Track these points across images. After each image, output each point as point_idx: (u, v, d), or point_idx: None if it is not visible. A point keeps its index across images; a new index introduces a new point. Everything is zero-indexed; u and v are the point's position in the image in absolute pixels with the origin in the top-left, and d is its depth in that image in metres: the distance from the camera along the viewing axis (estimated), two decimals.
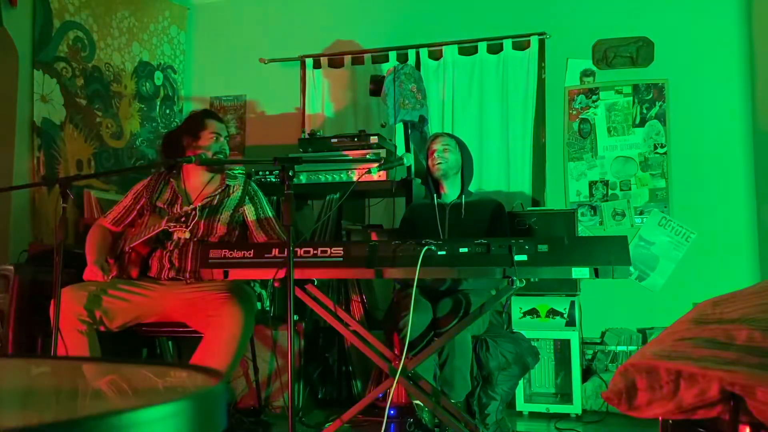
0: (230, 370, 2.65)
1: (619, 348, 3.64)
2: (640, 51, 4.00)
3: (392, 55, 4.36)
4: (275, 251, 2.36)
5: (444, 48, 4.28)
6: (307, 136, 3.74)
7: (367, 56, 4.44)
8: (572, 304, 3.44)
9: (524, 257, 2.12)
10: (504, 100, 4.17)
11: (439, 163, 3.09)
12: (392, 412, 2.77)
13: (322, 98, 4.53)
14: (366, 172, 3.40)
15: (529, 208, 3.81)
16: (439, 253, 2.20)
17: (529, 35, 4.14)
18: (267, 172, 3.74)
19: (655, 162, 3.97)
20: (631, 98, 4.03)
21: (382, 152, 3.51)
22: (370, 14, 4.50)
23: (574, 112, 4.12)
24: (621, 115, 4.04)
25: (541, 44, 4.14)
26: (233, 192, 2.94)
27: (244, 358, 3.06)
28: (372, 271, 2.27)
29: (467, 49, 4.26)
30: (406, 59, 4.30)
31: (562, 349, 3.56)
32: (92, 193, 3.95)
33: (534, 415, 3.40)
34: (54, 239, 2.59)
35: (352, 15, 4.54)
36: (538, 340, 3.46)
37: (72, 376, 0.87)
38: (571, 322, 3.43)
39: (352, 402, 2.83)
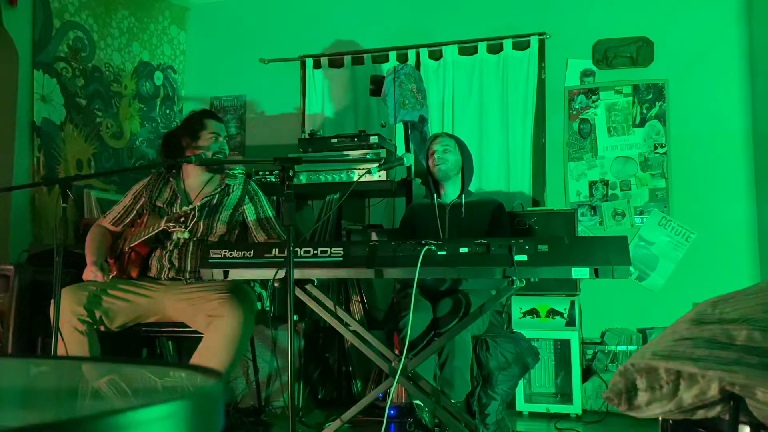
0: (230, 370, 2.65)
1: (619, 348, 3.64)
2: (640, 51, 4.00)
3: (392, 55, 4.36)
4: (275, 251, 2.36)
5: (444, 48, 4.28)
6: (307, 136, 3.74)
7: (367, 56, 4.44)
8: (572, 304, 3.44)
9: (524, 257, 2.12)
10: (504, 100, 4.17)
11: (439, 165, 3.09)
12: (392, 412, 2.77)
13: (322, 98, 4.53)
14: (366, 172, 3.40)
15: (529, 208, 3.82)
16: (439, 253, 2.20)
17: (529, 35, 4.14)
18: (267, 172, 3.74)
19: (655, 162, 3.97)
20: (631, 98, 4.03)
21: (382, 152, 3.51)
22: (370, 14, 4.50)
23: (574, 112, 4.12)
24: (621, 115, 4.04)
25: (541, 44, 4.14)
26: (233, 191, 2.94)
27: (244, 358, 3.06)
28: (372, 271, 2.27)
29: (467, 49, 4.26)
30: (406, 59, 4.30)
31: (562, 349, 3.56)
32: (92, 193, 3.95)
33: (534, 415, 3.40)
34: (54, 239, 2.59)
35: (352, 15, 4.54)
36: (538, 340, 3.46)
37: (72, 376, 0.87)
38: (571, 322, 3.43)
39: (352, 402, 2.83)
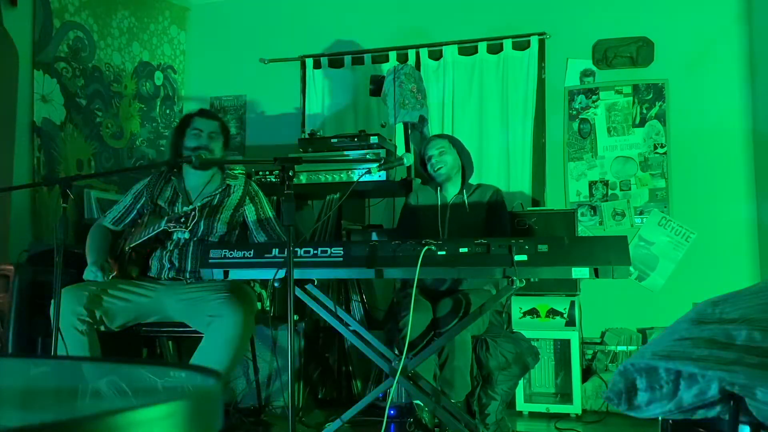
0: (230, 370, 2.66)
1: (619, 348, 3.64)
2: (640, 51, 4.00)
3: (392, 55, 4.36)
4: (275, 251, 2.36)
5: (444, 48, 4.28)
6: (307, 136, 3.74)
7: (367, 56, 4.44)
8: (572, 304, 3.44)
9: (524, 257, 2.12)
10: (504, 100, 4.17)
11: (439, 169, 3.09)
12: (392, 412, 2.77)
13: (322, 98, 4.53)
14: (366, 172, 3.40)
15: (529, 208, 3.81)
16: (439, 253, 2.20)
17: (529, 35, 4.14)
18: (267, 172, 3.74)
19: (655, 162, 3.97)
20: (631, 98, 4.03)
21: (382, 152, 3.51)
22: (370, 14, 4.50)
23: (574, 112, 4.12)
24: (621, 115, 4.04)
25: (541, 44, 4.14)
26: (233, 192, 2.94)
27: (244, 358, 3.06)
28: (372, 271, 2.27)
29: (467, 49, 4.26)
30: (406, 59, 4.30)
31: (562, 349, 3.56)
32: (92, 193, 3.95)
33: (534, 415, 3.40)
34: (54, 239, 2.59)
35: (352, 15, 4.54)
36: (538, 340, 3.46)
37: (72, 376, 0.87)
38: (571, 322, 3.43)
39: (352, 402, 2.83)
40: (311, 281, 2.45)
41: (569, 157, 4.10)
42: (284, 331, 3.20)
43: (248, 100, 4.75)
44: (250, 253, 2.39)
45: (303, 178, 3.60)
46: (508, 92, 4.17)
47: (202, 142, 2.90)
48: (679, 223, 3.90)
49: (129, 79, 4.41)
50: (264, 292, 2.98)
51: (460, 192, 3.12)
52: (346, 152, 3.57)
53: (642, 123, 4.00)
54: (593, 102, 4.09)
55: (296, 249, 2.30)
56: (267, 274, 2.36)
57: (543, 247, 2.13)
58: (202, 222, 2.82)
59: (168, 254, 2.81)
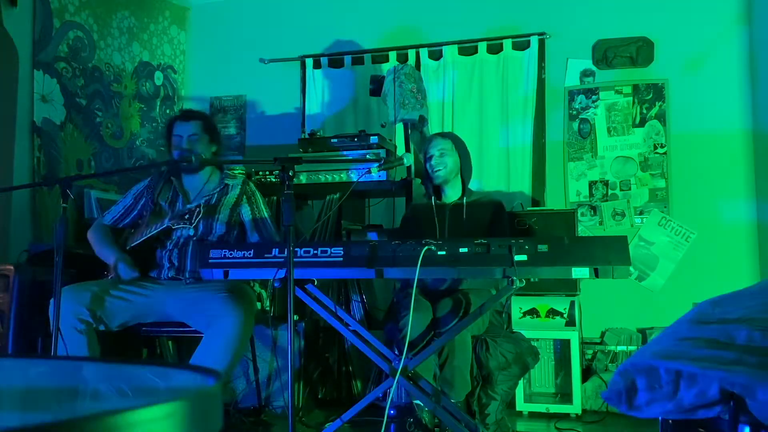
0: (230, 370, 2.66)
1: (619, 348, 3.64)
2: (640, 51, 4.00)
3: (392, 55, 4.36)
4: (275, 251, 2.36)
5: (444, 48, 4.28)
6: (307, 136, 3.74)
7: (367, 56, 4.44)
8: (572, 304, 3.44)
9: (524, 257, 2.12)
10: (504, 100, 4.17)
11: (437, 171, 3.07)
12: (392, 412, 2.77)
13: (322, 98, 4.53)
14: (366, 172, 3.40)
15: (529, 208, 3.81)
16: (439, 253, 2.20)
17: (529, 35, 4.14)
18: (267, 172, 3.74)
19: (655, 162, 3.97)
20: (631, 98, 4.03)
21: (382, 152, 3.51)
22: (370, 14, 4.50)
23: (574, 112, 4.12)
24: (621, 115, 4.04)
25: (541, 44, 4.14)
26: (231, 191, 2.94)
27: (244, 358, 3.06)
28: (372, 271, 2.27)
29: (467, 49, 4.26)
30: (406, 59, 4.30)
31: (562, 349, 3.56)
32: (92, 193, 3.95)
33: (534, 415, 3.40)
34: (54, 239, 2.59)
35: (352, 15, 4.54)
36: (538, 340, 3.46)
37: (71, 376, 0.87)
38: (571, 322, 3.42)
39: (352, 402, 2.83)
40: (311, 281, 2.45)
41: (569, 157, 4.10)
42: (284, 331, 3.20)
43: (248, 100, 4.75)
44: (250, 253, 2.39)
45: (303, 178, 3.60)
46: (508, 92, 4.17)
47: (184, 148, 2.89)
48: (679, 223, 3.90)
49: (129, 79, 4.41)
50: (264, 292, 2.98)
51: (461, 198, 3.11)
52: (346, 152, 3.57)
53: (642, 123, 4.00)
54: (593, 102, 4.09)
55: (296, 249, 2.30)
56: (267, 274, 2.36)
57: (543, 247, 2.13)
58: (201, 222, 2.82)
59: (167, 254, 2.81)
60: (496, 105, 4.19)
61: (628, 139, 4.02)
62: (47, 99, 3.79)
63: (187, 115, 3.00)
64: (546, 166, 4.11)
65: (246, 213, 2.93)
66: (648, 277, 3.90)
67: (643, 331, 3.74)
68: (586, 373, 3.55)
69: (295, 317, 2.47)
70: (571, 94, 4.13)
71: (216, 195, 2.91)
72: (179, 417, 0.55)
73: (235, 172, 3.05)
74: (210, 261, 2.41)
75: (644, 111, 4.01)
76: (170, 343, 3.35)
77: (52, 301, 2.46)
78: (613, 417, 3.26)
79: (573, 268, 2.10)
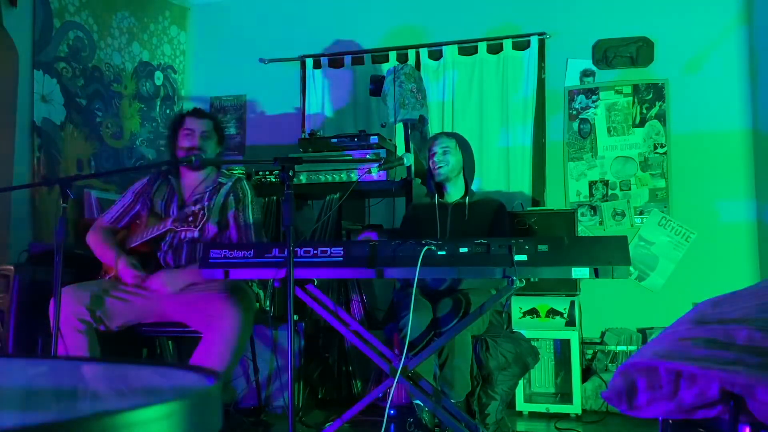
0: (230, 370, 2.66)
1: (619, 348, 3.64)
2: (640, 51, 4.00)
3: (392, 55, 4.36)
4: (275, 251, 2.36)
5: (444, 48, 4.28)
6: (307, 136, 3.74)
7: (367, 56, 4.44)
8: (572, 304, 3.44)
9: (524, 257, 2.12)
10: (504, 100, 4.17)
11: (439, 168, 3.06)
12: (392, 412, 2.77)
13: (322, 98, 4.52)
14: (366, 172, 3.40)
15: (529, 208, 3.81)
16: (439, 253, 2.20)
17: (529, 35, 4.14)
18: (267, 172, 3.74)
19: (655, 162, 3.97)
20: (631, 98, 4.03)
21: (382, 152, 3.51)
22: (370, 14, 4.50)
23: (574, 112, 4.12)
24: (621, 115, 4.04)
25: (541, 44, 4.14)
26: (221, 191, 2.90)
27: (244, 358, 3.06)
28: (372, 271, 2.27)
29: (467, 49, 4.26)
30: (406, 59, 4.30)
31: (562, 349, 3.56)
32: (92, 193, 3.95)
33: (534, 415, 3.40)
34: (54, 239, 2.59)
35: (352, 15, 4.54)
36: (538, 340, 3.46)
37: (71, 376, 0.87)
38: (571, 322, 3.42)
39: (352, 402, 2.83)
40: (311, 281, 2.45)
41: (569, 157, 4.10)
42: (284, 331, 3.20)
43: (248, 100, 4.75)
44: (250, 253, 2.39)
45: (303, 178, 3.60)
46: (508, 92, 4.17)
47: (194, 143, 2.88)
48: (679, 223, 3.90)
49: (129, 79, 4.41)
50: (261, 293, 2.98)
51: (463, 198, 3.11)
52: (346, 152, 3.57)
53: (642, 123, 4.00)
54: (593, 102, 4.09)
55: (296, 249, 2.30)
56: (267, 274, 2.36)
57: (543, 247, 2.13)
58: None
59: (163, 255, 2.81)
60: (496, 105, 4.19)
61: (628, 139, 4.02)
62: (47, 99, 3.79)
63: (200, 113, 3.00)
64: (546, 166, 4.11)
65: (231, 215, 2.88)
66: (648, 277, 3.90)
67: (643, 331, 3.74)
68: (586, 373, 3.55)
69: (295, 317, 2.47)
70: (571, 94, 4.13)
71: (208, 194, 2.88)
72: (179, 417, 0.55)
73: (235, 172, 3.04)
74: (210, 261, 2.41)
75: (644, 111, 4.01)
76: (170, 343, 3.35)
77: (52, 301, 2.46)
78: (613, 417, 3.26)
79: (573, 268, 2.10)
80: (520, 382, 3.17)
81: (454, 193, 3.13)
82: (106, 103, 4.22)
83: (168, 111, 4.69)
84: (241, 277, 2.48)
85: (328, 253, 2.31)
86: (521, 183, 4.09)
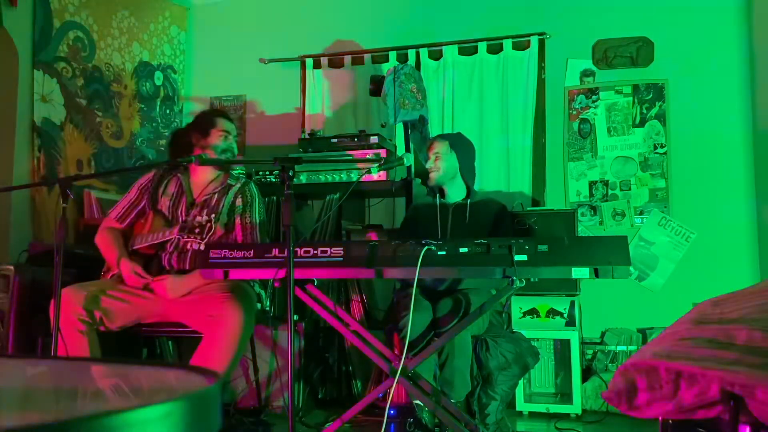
0: (230, 370, 2.66)
1: (619, 348, 3.64)
2: (640, 51, 4.00)
3: (392, 55, 4.36)
4: (275, 251, 2.36)
5: (444, 48, 4.28)
6: (307, 136, 3.74)
7: (367, 56, 4.44)
8: (572, 304, 3.44)
9: (524, 257, 2.12)
10: (504, 100, 4.17)
11: (431, 174, 3.10)
12: (392, 412, 2.77)
13: (322, 98, 4.53)
14: (366, 172, 3.40)
15: (529, 208, 3.81)
16: (439, 253, 2.20)
17: (529, 35, 4.14)
18: (267, 172, 3.74)
19: (655, 162, 3.97)
20: (631, 98, 4.03)
21: (382, 152, 3.51)
22: (370, 14, 4.50)
23: (574, 112, 4.12)
24: (621, 115, 4.04)
25: (541, 44, 4.14)
26: (230, 192, 2.92)
27: (244, 358, 3.06)
28: (372, 271, 2.27)
29: (467, 49, 4.26)
30: (406, 59, 4.30)
31: (562, 349, 3.56)
32: (92, 193, 3.95)
33: (534, 415, 3.40)
34: (54, 239, 2.59)
35: (352, 15, 4.54)
36: (538, 340, 3.46)
37: (71, 376, 0.86)
38: (571, 322, 3.42)
39: (352, 402, 2.83)
40: (311, 281, 2.45)
41: (569, 157, 4.10)
42: (284, 331, 3.20)
43: (248, 100, 4.75)
44: (250, 253, 2.39)
45: (303, 178, 3.60)
46: (508, 92, 4.17)
47: (228, 145, 2.95)
48: (679, 223, 3.90)
49: (129, 79, 4.41)
50: (263, 293, 2.98)
51: (465, 199, 3.11)
52: (346, 152, 3.57)
53: (642, 123, 4.00)
54: (593, 102, 4.09)
55: (296, 249, 2.30)
56: (267, 274, 2.35)
57: (543, 247, 2.13)
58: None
59: (168, 256, 2.81)
60: (496, 105, 4.19)
61: (628, 139, 4.02)
62: (47, 99, 3.79)
63: (227, 115, 3.10)
64: (546, 166, 4.11)
65: (237, 217, 2.90)
66: (648, 277, 3.90)
67: (643, 331, 3.74)
68: (586, 373, 3.55)
69: (295, 317, 2.46)
70: (571, 94, 4.13)
71: (217, 195, 2.90)
72: (178, 417, 0.55)
73: (236, 172, 3.05)
74: (210, 261, 2.41)
75: (644, 111, 4.01)
76: (170, 343, 3.35)
77: (52, 301, 2.46)
78: (613, 417, 3.26)
79: (573, 268, 2.10)
80: (520, 382, 3.17)
81: (455, 194, 3.14)
82: (106, 103, 4.22)
83: (168, 111, 4.69)
84: (241, 277, 2.48)
85: (328, 253, 2.30)
86: (521, 183, 4.09)
